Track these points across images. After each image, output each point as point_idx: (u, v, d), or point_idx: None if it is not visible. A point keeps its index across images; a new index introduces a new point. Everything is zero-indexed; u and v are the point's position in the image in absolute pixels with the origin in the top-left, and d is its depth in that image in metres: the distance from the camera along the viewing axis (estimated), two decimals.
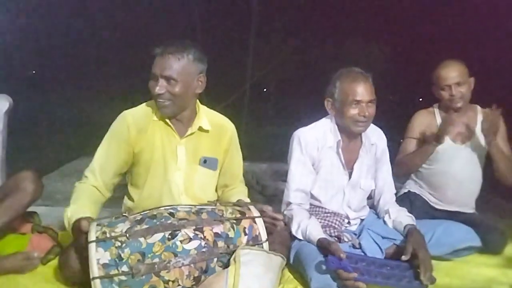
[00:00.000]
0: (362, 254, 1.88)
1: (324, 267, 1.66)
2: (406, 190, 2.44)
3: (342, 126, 1.97)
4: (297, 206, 1.96)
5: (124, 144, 1.81)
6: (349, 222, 2.06)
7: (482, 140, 2.31)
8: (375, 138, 2.08)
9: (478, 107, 2.38)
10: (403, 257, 1.79)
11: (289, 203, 1.98)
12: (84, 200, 1.73)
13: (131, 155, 1.84)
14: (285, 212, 1.99)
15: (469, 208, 2.37)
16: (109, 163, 1.82)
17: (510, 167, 2.26)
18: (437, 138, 2.22)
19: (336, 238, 1.91)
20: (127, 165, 1.86)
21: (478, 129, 2.32)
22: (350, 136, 2.00)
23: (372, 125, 2.03)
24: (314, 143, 1.97)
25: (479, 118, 2.34)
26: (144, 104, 1.89)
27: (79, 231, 1.51)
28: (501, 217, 2.60)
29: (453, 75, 2.23)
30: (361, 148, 2.03)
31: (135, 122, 1.81)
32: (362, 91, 1.89)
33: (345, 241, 1.91)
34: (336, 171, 2.01)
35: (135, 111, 1.87)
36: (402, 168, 2.36)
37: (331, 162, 2.00)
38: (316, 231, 1.84)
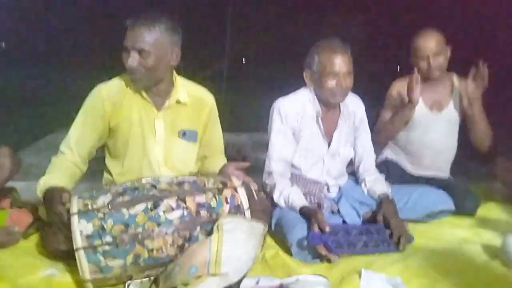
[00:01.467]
0: (341, 219, 1.94)
1: (303, 232, 1.71)
2: (383, 158, 2.49)
3: (321, 97, 1.99)
4: (279, 175, 1.99)
5: (99, 119, 1.78)
6: (328, 190, 2.10)
7: (458, 107, 2.36)
8: (353, 106, 2.10)
9: (455, 75, 2.42)
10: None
11: (270, 173, 2.00)
12: (59, 172, 1.73)
13: (107, 130, 1.81)
14: (266, 181, 2.02)
15: (444, 173, 2.44)
16: (85, 138, 1.80)
17: (488, 131, 2.31)
18: (410, 99, 2.23)
19: (316, 205, 1.96)
20: (103, 139, 1.85)
21: (454, 97, 2.37)
22: (329, 106, 2.02)
23: (350, 93, 2.05)
24: (293, 113, 1.99)
25: (456, 85, 2.38)
26: (119, 77, 1.85)
27: (49, 197, 1.53)
28: (475, 181, 2.69)
29: (431, 45, 2.24)
30: (340, 117, 2.05)
31: (110, 96, 1.78)
32: (340, 62, 1.90)
33: (324, 207, 1.95)
34: (316, 140, 2.03)
35: (110, 85, 1.83)
36: (381, 135, 2.39)
37: (311, 132, 2.02)
38: (298, 199, 1.88)
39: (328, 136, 2.05)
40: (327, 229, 1.68)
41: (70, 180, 1.73)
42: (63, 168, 1.75)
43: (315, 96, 2.01)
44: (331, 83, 1.92)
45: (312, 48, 1.99)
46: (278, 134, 2.00)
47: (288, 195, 1.90)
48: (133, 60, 1.68)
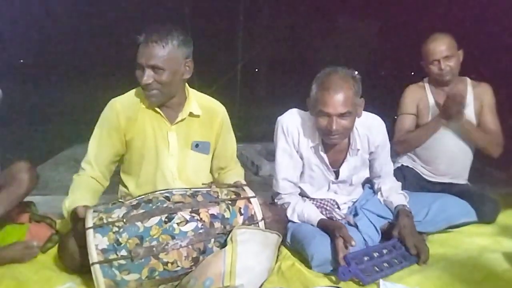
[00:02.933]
0: (359, 234, 1.88)
1: (322, 244, 1.69)
2: (399, 165, 2.46)
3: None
4: (287, 194, 1.93)
5: (115, 132, 1.81)
6: (338, 207, 2.01)
7: (472, 111, 2.32)
8: (368, 134, 1.90)
9: (468, 79, 2.39)
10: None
11: (278, 193, 1.94)
12: (82, 190, 1.75)
13: (123, 143, 1.84)
14: (277, 201, 1.96)
15: (462, 179, 2.40)
16: (103, 152, 1.83)
17: (488, 141, 2.29)
18: (444, 115, 2.19)
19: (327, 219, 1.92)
20: (120, 153, 1.87)
21: (468, 102, 2.33)
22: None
23: (369, 117, 1.90)
24: (295, 134, 1.87)
25: (469, 90, 2.35)
26: (133, 91, 1.87)
27: (76, 218, 1.53)
28: (493, 187, 2.64)
29: (441, 49, 2.22)
30: (348, 151, 1.90)
31: (124, 109, 1.80)
32: (333, 103, 1.67)
33: (338, 219, 1.91)
34: (320, 169, 1.93)
35: (123, 99, 1.85)
36: (404, 146, 2.36)
37: (315, 161, 1.91)
38: (314, 213, 1.84)
39: (335, 166, 1.92)
40: (353, 243, 1.62)
41: (92, 197, 1.76)
42: (84, 185, 1.78)
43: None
44: (323, 122, 1.73)
45: (316, 76, 1.80)
46: (283, 154, 1.90)
47: (302, 211, 1.86)
48: (148, 77, 1.69)
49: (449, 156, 2.33)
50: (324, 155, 1.88)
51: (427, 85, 2.40)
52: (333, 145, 1.86)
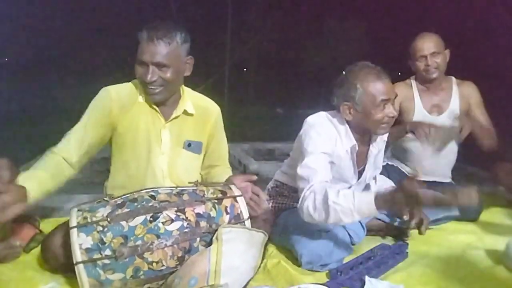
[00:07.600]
0: (345, 230, 1.88)
1: (312, 240, 1.68)
2: (384, 163, 2.48)
3: (362, 128, 1.77)
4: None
5: (104, 118, 1.74)
6: None
7: (457, 110, 2.36)
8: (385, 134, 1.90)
9: (453, 79, 2.43)
10: (405, 217, 1.67)
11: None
12: (43, 171, 1.62)
13: (109, 131, 1.78)
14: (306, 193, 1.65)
15: (445, 177, 2.44)
16: (86, 136, 1.73)
17: (488, 135, 2.31)
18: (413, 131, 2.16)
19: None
20: (103, 141, 1.79)
21: (453, 100, 2.37)
22: (364, 137, 1.83)
23: None
24: (333, 137, 1.77)
25: (454, 89, 2.39)
26: (129, 83, 1.83)
27: None
28: (476, 185, 2.67)
29: (429, 45, 2.27)
30: (372, 144, 1.88)
31: (119, 98, 1.75)
32: (388, 89, 1.68)
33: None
34: (347, 172, 1.86)
35: (119, 88, 1.80)
36: None
37: (344, 164, 1.83)
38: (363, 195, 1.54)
39: (359, 166, 1.89)
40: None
41: (52, 179, 1.62)
42: (48, 165, 1.65)
43: (349, 129, 1.77)
44: (381, 114, 1.68)
45: (347, 77, 1.73)
46: (322, 156, 1.71)
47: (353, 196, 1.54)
48: (153, 74, 1.66)
49: (434, 154, 2.36)
50: (355, 157, 1.83)
51: (413, 82, 2.44)
52: (360, 145, 1.80)
